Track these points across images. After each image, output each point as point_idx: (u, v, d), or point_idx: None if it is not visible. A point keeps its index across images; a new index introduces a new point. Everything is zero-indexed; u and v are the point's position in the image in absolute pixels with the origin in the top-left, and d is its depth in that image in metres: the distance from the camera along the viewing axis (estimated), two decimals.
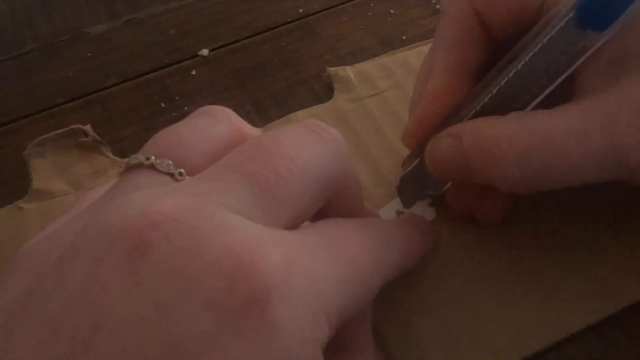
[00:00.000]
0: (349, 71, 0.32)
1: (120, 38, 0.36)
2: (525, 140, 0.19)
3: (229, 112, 0.20)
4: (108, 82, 0.34)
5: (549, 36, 0.20)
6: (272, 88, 0.32)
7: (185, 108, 0.32)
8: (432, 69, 0.24)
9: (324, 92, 0.32)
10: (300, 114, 0.30)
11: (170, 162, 0.17)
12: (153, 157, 0.17)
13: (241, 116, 0.30)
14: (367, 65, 0.32)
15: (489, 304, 0.22)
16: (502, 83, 0.21)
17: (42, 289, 0.14)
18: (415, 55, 0.32)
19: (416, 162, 0.24)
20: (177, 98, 0.32)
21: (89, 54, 0.36)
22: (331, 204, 0.18)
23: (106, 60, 0.35)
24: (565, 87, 0.21)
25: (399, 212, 0.25)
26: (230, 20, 0.37)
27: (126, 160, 0.18)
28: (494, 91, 0.21)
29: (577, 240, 0.23)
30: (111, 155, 0.29)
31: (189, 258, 0.13)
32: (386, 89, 0.30)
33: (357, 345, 0.19)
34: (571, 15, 0.20)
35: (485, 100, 0.21)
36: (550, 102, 0.20)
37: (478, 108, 0.21)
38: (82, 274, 0.13)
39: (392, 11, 0.36)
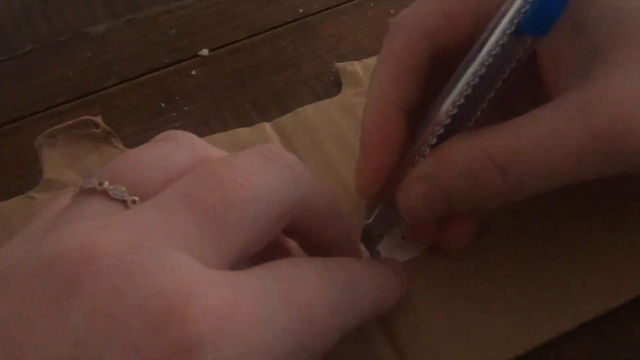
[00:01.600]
0: (356, 66, 0.32)
1: (120, 38, 0.36)
2: (505, 149, 0.19)
3: (192, 137, 0.19)
4: (108, 82, 0.34)
5: (493, 53, 0.20)
6: (272, 88, 0.32)
7: (185, 108, 0.32)
8: (369, 105, 0.23)
9: (324, 92, 0.32)
10: (308, 108, 0.30)
11: (124, 188, 0.16)
12: (106, 183, 0.16)
13: (241, 116, 0.31)
14: (374, 61, 0.32)
15: (497, 296, 0.22)
16: (456, 106, 0.20)
17: None
18: None
19: (378, 209, 0.23)
20: (177, 98, 0.32)
21: (89, 54, 0.35)
22: (297, 232, 0.18)
23: (106, 60, 0.35)
24: (535, 92, 0.21)
25: (374, 253, 0.24)
26: (230, 20, 0.36)
27: (80, 182, 0.17)
28: (454, 111, 0.20)
29: (580, 233, 0.24)
30: (121, 147, 0.30)
31: (117, 297, 0.13)
32: None
33: None
34: (512, 29, 0.19)
35: (441, 129, 0.20)
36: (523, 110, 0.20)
37: (434, 139, 0.20)
38: (9, 308, 0.13)
39: (392, 11, 0.36)
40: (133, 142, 0.30)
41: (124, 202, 0.16)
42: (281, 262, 0.16)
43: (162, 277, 0.13)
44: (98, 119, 0.30)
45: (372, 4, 0.36)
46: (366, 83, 0.31)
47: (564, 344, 0.21)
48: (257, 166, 0.16)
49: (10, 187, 0.29)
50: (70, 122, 0.30)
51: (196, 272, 0.14)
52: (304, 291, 0.15)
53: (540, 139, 0.18)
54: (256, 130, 0.29)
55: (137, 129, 0.31)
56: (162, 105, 0.32)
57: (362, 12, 0.36)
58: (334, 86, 0.32)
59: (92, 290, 0.13)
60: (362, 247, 0.23)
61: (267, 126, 0.29)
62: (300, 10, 0.36)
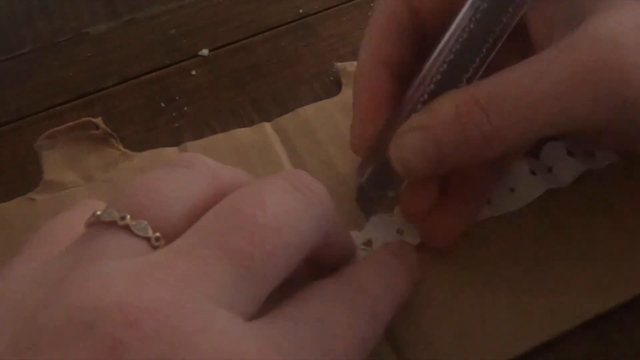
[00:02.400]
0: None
1: (120, 38, 0.36)
2: (488, 91, 0.19)
3: (207, 161, 0.18)
4: (108, 82, 0.34)
5: (481, 8, 0.20)
6: (272, 88, 0.32)
7: (185, 108, 0.32)
8: (360, 63, 0.24)
9: (325, 92, 0.32)
10: (308, 108, 0.30)
11: (147, 223, 0.15)
12: (128, 217, 0.15)
13: (241, 116, 0.31)
14: None
15: (496, 296, 0.22)
16: (445, 62, 0.21)
17: None
18: None
19: (372, 167, 0.23)
20: (177, 98, 0.32)
21: (89, 54, 0.36)
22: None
23: (106, 60, 0.35)
24: (520, 48, 0.21)
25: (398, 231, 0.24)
26: (230, 20, 0.37)
27: (97, 213, 0.16)
28: (444, 67, 0.21)
29: (580, 233, 0.24)
30: (121, 148, 0.30)
31: (186, 347, 0.12)
32: None
33: None
34: None
35: (432, 86, 0.21)
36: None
37: (426, 95, 0.21)
38: None
39: None
40: (133, 142, 0.30)
41: (147, 239, 0.15)
42: (310, 298, 0.16)
43: (210, 344, 0.13)
44: (98, 120, 0.30)
45: (372, 4, 0.36)
46: None
47: (564, 344, 0.21)
48: (289, 204, 0.16)
49: (10, 187, 0.29)
50: (70, 123, 0.30)
51: (241, 334, 0.14)
52: (339, 339, 0.16)
53: (523, 79, 0.19)
54: (256, 130, 0.29)
55: (137, 129, 0.31)
56: (162, 105, 0.32)
57: (362, 12, 0.36)
58: (334, 86, 0.32)
59: (139, 357, 0.12)
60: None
61: (267, 126, 0.29)
62: (300, 10, 0.36)
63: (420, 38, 0.24)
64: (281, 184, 0.16)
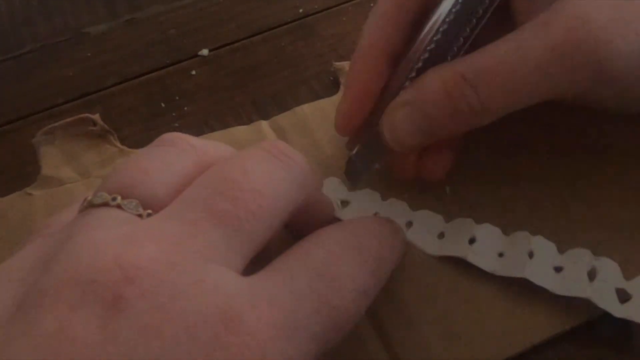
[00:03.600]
0: None
1: (120, 38, 0.36)
2: (475, 67, 0.20)
3: (191, 139, 0.19)
4: (108, 82, 0.34)
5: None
6: (272, 88, 0.32)
7: (185, 108, 0.32)
8: (357, 50, 0.24)
9: (324, 92, 0.32)
10: (306, 107, 0.30)
11: (137, 202, 0.16)
12: (119, 198, 0.16)
13: (241, 116, 0.31)
14: None
15: (490, 296, 0.22)
16: (433, 41, 0.22)
17: (4, 334, 0.13)
18: None
19: (361, 142, 0.24)
20: (177, 98, 0.32)
21: (89, 54, 0.36)
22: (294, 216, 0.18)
23: (106, 60, 0.35)
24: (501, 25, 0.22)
25: (376, 214, 0.25)
26: (230, 20, 0.37)
27: (88, 198, 0.16)
28: (431, 46, 0.22)
29: (577, 235, 0.23)
30: (119, 145, 0.30)
31: (167, 317, 0.13)
32: None
33: None
34: None
35: (420, 63, 0.22)
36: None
37: (414, 72, 0.22)
38: (51, 322, 0.13)
39: None
40: (133, 142, 0.30)
41: (139, 216, 0.16)
42: (312, 247, 0.17)
43: (206, 296, 0.13)
44: (96, 116, 0.30)
45: (372, 4, 0.36)
46: None
47: (564, 344, 0.21)
48: (270, 169, 0.17)
49: (10, 187, 0.29)
50: (68, 119, 0.30)
51: (235, 288, 0.14)
52: (340, 291, 0.16)
53: (507, 55, 0.20)
54: (253, 128, 0.29)
55: (137, 129, 0.31)
56: (162, 105, 0.32)
57: (362, 12, 0.36)
58: (334, 86, 0.32)
59: (140, 310, 0.13)
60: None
61: (264, 124, 0.29)
62: (300, 10, 0.36)
63: (412, 23, 0.24)
64: (261, 153, 0.17)
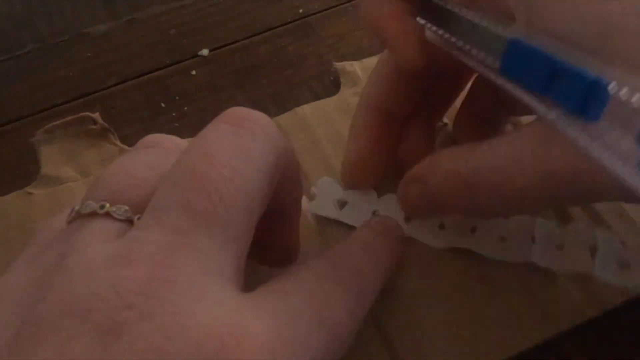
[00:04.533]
0: (355, 66, 0.32)
1: (121, 38, 0.36)
2: (473, 172, 0.20)
3: (176, 139, 0.18)
4: (108, 82, 0.34)
5: None
6: (272, 88, 0.32)
7: (185, 108, 0.32)
8: (357, 108, 0.25)
9: (324, 92, 0.32)
10: (306, 107, 0.30)
11: (127, 208, 0.16)
12: (108, 205, 0.15)
13: None
14: (374, 61, 0.32)
15: (491, 296, 0.22)
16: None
17: None
18: None
19: None
20: (177, 98, 0.32)
21: (89, 54, 0.36)
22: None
23: (106, 60, 0.35)
24: None
25: (374, 212, 0.25)
26: (230, 20, 0.37)
27: (76, 208, 0.16)
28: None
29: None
30: (119, 144, 0.30)
31: (167, 338, 0.13)
32: None
33: None
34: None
35: None
36: None
37: None
38: (51, 352, 0.12)
39: None
40: (133, 142, 0.30)
41: (130, 222, 0.15)
42: (303, 272, 0.17)
43: (207, 315, 0.13)
44: (96, 115, 0.30)
45: None
46: (365, 82, 0.31)
47: (564, 344, 0.21)
48: (235, 145, 0.16)
49: (10, 187, 0.28)
50: (68, 118, 0.30)
51: (237, 303, 0.14)
52: (331, 308, 0.16)
53: (504, 169, 0.19)
54: None
55: (137, 129, 0.31)
56: (162, 105, 0.32)
57: None
58: (334, 86, 0.32)
59: (141, 332, 0.12)
60: None
61: None
62: (300, 10, 0.36)
63: (423, 82, 0.24)
64: (222, 127, 0.16)
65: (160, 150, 0.18)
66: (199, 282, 0.14)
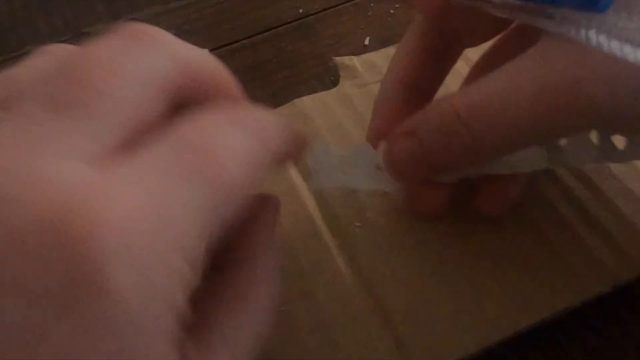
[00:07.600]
0: (355, 60, 0.32)
1: None
2: (468, 104, 0.19)
3: (168, 35, 0.17)
4: None
5: None
6: (272, 88, 0.32)
7: None
8: (382, 83, 0.24)
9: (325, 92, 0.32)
10: (306, 99, 0.30)
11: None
12: None
13: None
14: (373, 56, 0.32)
15: (492, 276, 0.22)
16: None
17: None
18: None
19: None
20: None
21: None
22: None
23: None
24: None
25: (378, 167, 0.24)
26: (230, 20, 0.37)
27: None
28: None
29: (576, 217, 0.24)
30: None
31: (11, 208, 0.11)
32: None
33: (250, 253, 0.17)
34: None
35: None
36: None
37: None
38: None
39: (392, 11, 0.36)
40: None
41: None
42: (179, 123, 0.14)
43: (37, 194, 0.12)
44: None
45: (372, 4, 0.36)
46: (364, 76, 0.31)
47: (563, 343, 0.22)
48: (123, 47, 0.15)
49: None
50: None
51: (82, 177, 0.12)
52: (215, 156, 0.14)
53: (501, 93, 0.18)
54: None
55: None
56: None
57: (362, 12, 0.36)
58: (334, 86, 0.32)
59: None
60: None
61: None
62: (300, 10, 0.36)
63: (448, 57, 0.24)
64: (113, 36, 0.15)
65: (152, 47, 0.16)
66: (36, 166, 0.12)
